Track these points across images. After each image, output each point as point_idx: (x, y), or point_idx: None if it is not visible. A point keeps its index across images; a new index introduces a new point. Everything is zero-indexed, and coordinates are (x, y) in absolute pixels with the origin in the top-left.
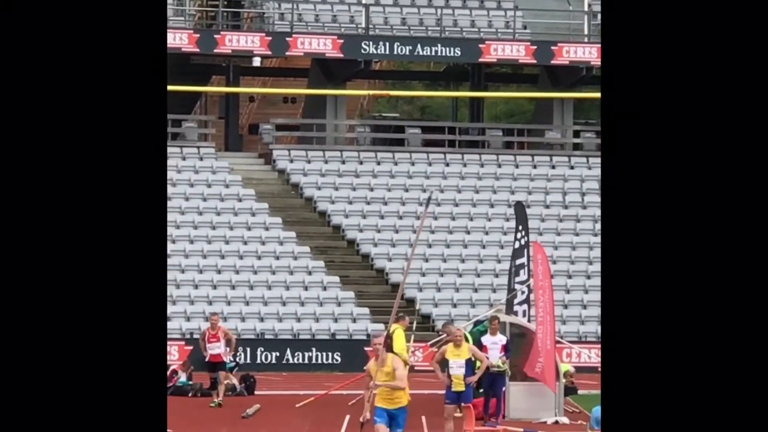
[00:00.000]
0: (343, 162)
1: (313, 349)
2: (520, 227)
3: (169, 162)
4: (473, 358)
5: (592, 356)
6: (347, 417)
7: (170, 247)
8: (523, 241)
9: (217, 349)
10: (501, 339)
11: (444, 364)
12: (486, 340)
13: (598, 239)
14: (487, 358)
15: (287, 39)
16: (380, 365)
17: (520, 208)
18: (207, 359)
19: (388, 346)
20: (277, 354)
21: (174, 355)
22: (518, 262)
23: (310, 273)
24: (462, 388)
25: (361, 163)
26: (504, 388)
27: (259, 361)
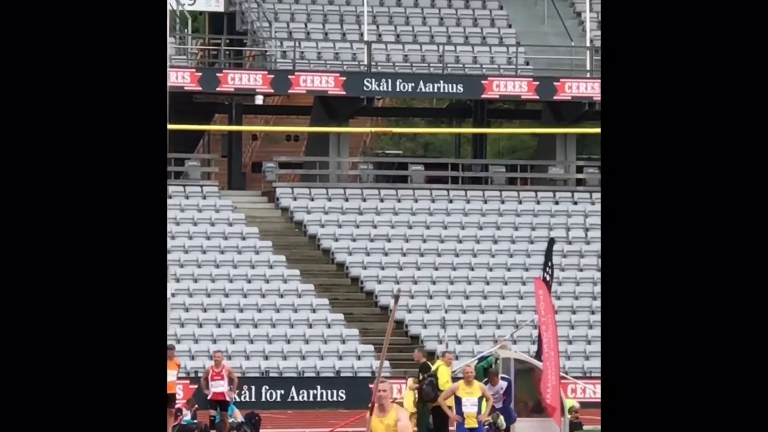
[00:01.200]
0: (347, 199)
1: (318, 387)
2: (549, 263)
3: (173, 201)
4: (485, 396)
5: (597, 392)
6: None
7: (174, 286)
8: (549, 279)
9: (220, 387)
10: (501, 386)
11: (456, 401)
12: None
13: None
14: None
15: (289, 77)
16: (382, 416)
17: (549, 244)
18: (209, 397)
19: (433, 384)
20: (282, 392)
21: (179, 393)
22: None
23: (314, 310)
24: (475, 425)
25: (364, 200)
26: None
27: (264, 399)
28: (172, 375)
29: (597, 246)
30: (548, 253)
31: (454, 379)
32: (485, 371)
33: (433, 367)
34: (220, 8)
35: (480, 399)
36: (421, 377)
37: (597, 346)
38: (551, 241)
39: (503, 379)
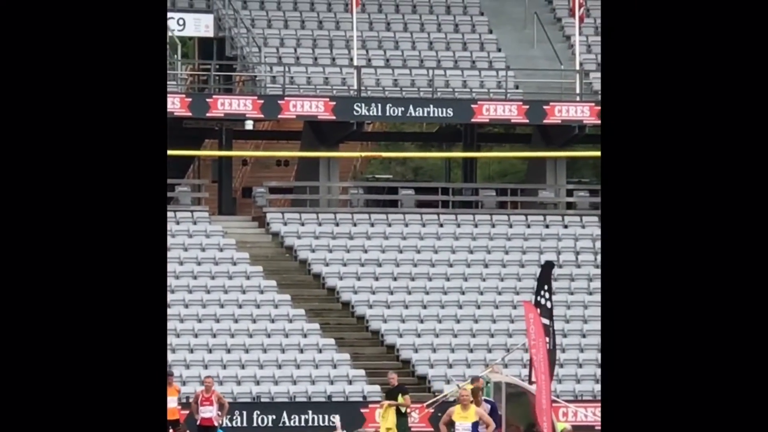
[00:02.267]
0: (337, 224)
1: (310, 412)
2: (546, 287)
3: None
4: (483, 421)
5: (589, 415)
6: None
7: None
8: (548, 304)
9: (209, 412)
10: (485, 407)
11: (451, 425)
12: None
13: (593, 298)
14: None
15: (279, 102)
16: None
17: (547, 268)
18: (198, 422)
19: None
20: (274, 417)
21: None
22: (543, 321)
23: (305, 335)
24: None
25: (354, 224)
26: None
27: (255, 424)
28: (172, 401)
29: (588, 269)
30: (545, 277)
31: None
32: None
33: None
34: (210, 34)
35: (475, 424)
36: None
37: (588, 370)
38: (549, 265)
39: (486, 401)
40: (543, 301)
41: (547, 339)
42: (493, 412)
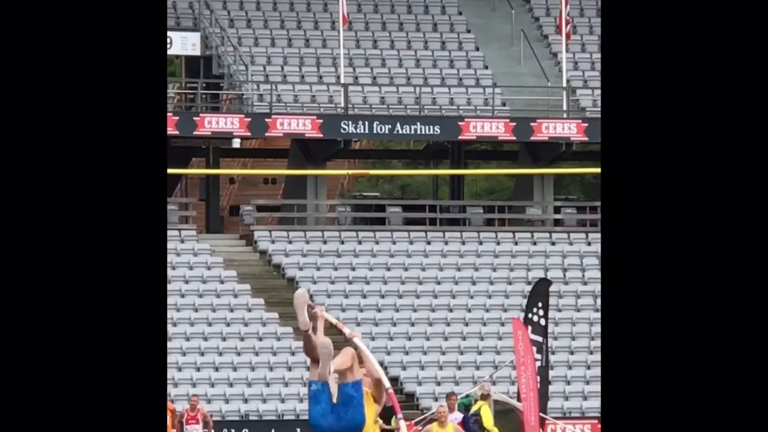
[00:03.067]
0: (325, 242)
1: (298, 430)
2: (540, 304)
3: None
4: None
5: None
6: None
7: None
8: (542, 321)
9: (195, 431)
10: (457, 416)
11: None
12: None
13: (581, 314)
14: None
15: (266, 120)
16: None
17: (543, 285)
18: None
19: (479, 423)
20: None
21: None
22: (535, 338)
23: (293, 353)
24: None
25: (342, 242)
26: None
27: None
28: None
29: (575, 286)
30: (540, 294)
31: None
32: (467, 407)
33: (475, 407)
34: (197, 52)
35: None
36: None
37: (576, 387)
38: (546, 283)
39: (459, 412)
40: (536, 319)
41: (539, 356)
42: (465, 422)
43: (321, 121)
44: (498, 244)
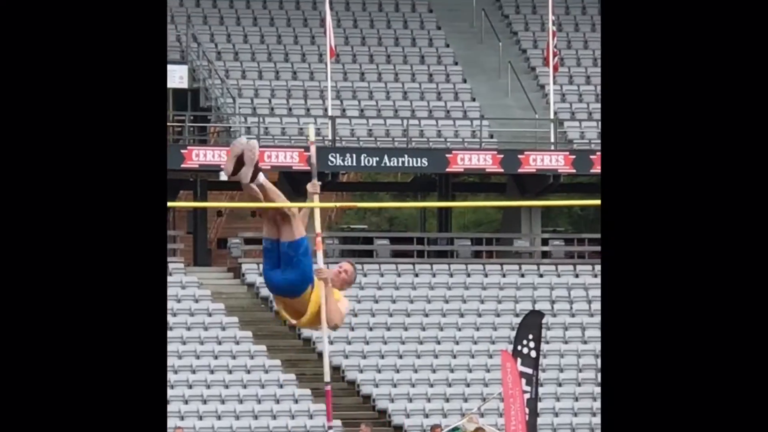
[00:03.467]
0: None
1: None
2: (530, 336)
3: None
4: None
5: None
6: None
7: None
8: (533, 354)
9: None
10: None
11: None
12: None
13: (569, 347)
14: None
15: None
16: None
17: (534, 317)
18: None
19: None
20: None
21: None
22: (524, 370)
23: (281, 386)
24: None
25: None
26: None
27: None
28: None
29: (563, 318)
30: (531, 326)
31: None
32: None
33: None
34: (184, 85)
35: None
36: None
37: (565, 419)
38: (538, 315)
39: None
40: (526, 351)
41: (528, 388)
42: None
43: (309, 153)
44: (486, 276)
